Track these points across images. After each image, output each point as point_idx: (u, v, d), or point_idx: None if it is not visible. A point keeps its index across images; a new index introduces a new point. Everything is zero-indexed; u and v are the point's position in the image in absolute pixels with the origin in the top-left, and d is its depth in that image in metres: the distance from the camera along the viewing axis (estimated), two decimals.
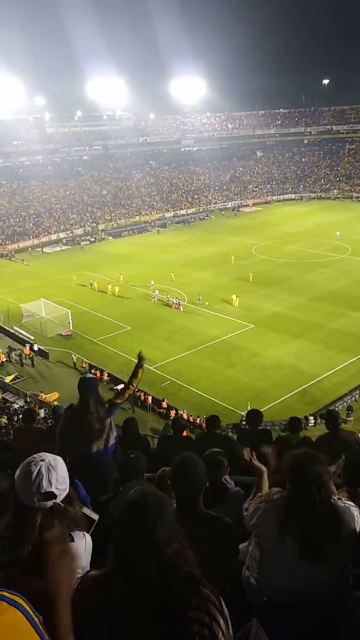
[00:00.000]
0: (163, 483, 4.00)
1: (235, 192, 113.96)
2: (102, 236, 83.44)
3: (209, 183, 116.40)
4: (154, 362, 35.98)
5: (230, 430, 26.90)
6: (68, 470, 2.20)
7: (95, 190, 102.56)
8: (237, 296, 46.11)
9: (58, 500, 2.07)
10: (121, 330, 41.90)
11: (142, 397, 31.45)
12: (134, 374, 5.56)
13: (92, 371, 34.72)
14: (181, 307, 45.19)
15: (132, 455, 4.11)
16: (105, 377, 33.64)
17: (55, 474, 2.08)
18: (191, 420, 28.43)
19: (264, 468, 3.60)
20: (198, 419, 28.36)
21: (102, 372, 34.20)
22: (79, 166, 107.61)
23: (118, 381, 33.18)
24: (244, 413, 28.79)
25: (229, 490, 3.95)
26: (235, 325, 41.70)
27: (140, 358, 5.61)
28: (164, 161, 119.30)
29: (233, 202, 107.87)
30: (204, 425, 27.10)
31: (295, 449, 3.61)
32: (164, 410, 30.25)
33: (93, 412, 4.84)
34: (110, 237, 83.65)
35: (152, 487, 3.41)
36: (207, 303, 46.25)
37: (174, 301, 45.73)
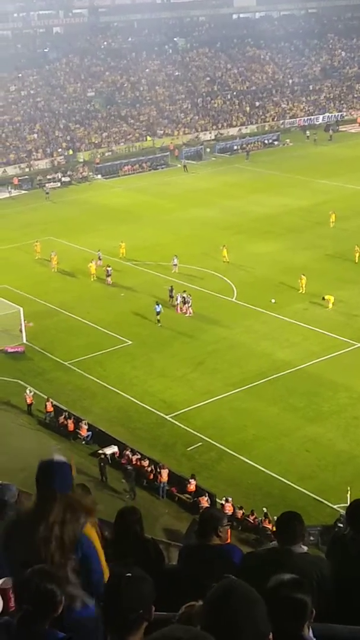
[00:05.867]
0: None
1: (332, 96, 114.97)
2: (85, 173, 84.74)
3: (282, 79, 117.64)
4: (174, 407, 36.36)
5: (313, 539, 27.01)
6: None
7: (75, 89, 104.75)
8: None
9: None
10: (115, 347, 42.63)
11: (150, 472, 31.64)
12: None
13: (61, 419, 35.34)
14: (189, 311, 45.67)
15: (129, 575, 4.17)
16: (84, 433, 34.37)
17: None
18: (240, 515, 28.58)
19: None
20: (253, 516, 28.54)
21: (77, 422, 34.84)
22: (45, 45, 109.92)
23: (105, 439, 33.87)
24: (340, 507, 28.53)
25: None
26: (326, 342, 41.96)
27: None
28: (201, 38, 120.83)
29: (327, 115, 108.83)
30: (265, 523, 27.70)
31: None
32: (190, 497, 30.46)
33: (57, 527, 5.11)
34: (100, 176, 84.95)
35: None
36: (273, 301, 46.86)
37: (181, 298, 46.24)
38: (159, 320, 44.91)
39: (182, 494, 30.83)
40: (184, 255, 54.17)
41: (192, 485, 30.30)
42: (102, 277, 51.91)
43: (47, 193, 76.33)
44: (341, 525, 25.56)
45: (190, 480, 30.42)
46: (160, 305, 45.44)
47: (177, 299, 46.60)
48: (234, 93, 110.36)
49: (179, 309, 46.32)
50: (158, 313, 45.02)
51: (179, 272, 52.03)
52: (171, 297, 47.25)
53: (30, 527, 5.19)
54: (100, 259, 53.84)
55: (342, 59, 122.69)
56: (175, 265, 52.50)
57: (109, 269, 51.58)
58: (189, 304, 45.93)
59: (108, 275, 51.23)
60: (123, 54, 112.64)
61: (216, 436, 33.97)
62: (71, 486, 5.42)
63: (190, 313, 45.78)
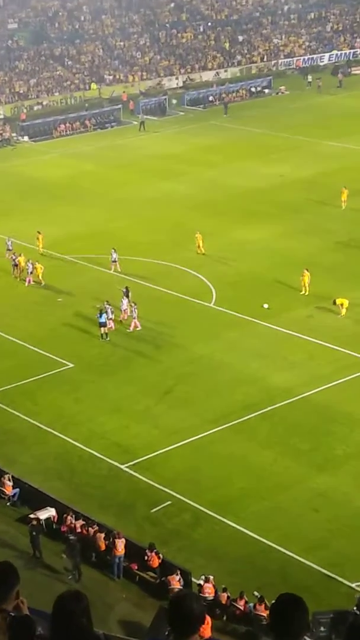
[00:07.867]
0: None
1: (342, 27, 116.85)
2: (6, 134, 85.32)
3: (274, 5, 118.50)
4: (132, 452, 36.19)
5: (324, 629, 26.95)
6: None
7: None
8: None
9: None
10: (50, 372, 42.70)
11: (101, 540, 31.52)
12: None
13: None
14: (134, 323, 45.80)
15: None
16: (8, 490, 34.14)
17: None
18: (224, 600, 28.44)
19: None
20: (243, 600, 28.39)
21: None
22: None
23: (38, 499, 33.60)
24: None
25: None
26: (338, 361, 42.31)
27: None
28: None
29: (336, 53, 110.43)
30: (260, 610, 27.71)
31: None
32: (156, 576, 30.26)
33: None
34: (26, 138, 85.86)
35: None
36: (266, 306, 47.18)
37: (110, 309, 46.10)
38: (104, 335, 45.03)
39: (145, 571, 30.60)
40: (143, 245, 54.39)
41: (153, 558, 30.03)
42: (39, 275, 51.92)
43: None
44: (358, 612, 25.65)
45: (149, 552, 30.15)
46: (104, 315, 45.45)
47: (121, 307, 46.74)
48: (209, 24, 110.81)
49: (110, 322, 46.08)
50: (102, 325, 45.14)
51: (124, 270, 52.12)
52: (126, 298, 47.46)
53: None
54: (9, 250, 54.29)
55: None
56: (115, 261, 52.61)
57: (29, 264, 51.91)
58: (134, 316, 45.75)
59: (30, 272, 51.70)
60: None
61: (191, 492, 33.83)
62: None
63: (137, 326, 45.81)
